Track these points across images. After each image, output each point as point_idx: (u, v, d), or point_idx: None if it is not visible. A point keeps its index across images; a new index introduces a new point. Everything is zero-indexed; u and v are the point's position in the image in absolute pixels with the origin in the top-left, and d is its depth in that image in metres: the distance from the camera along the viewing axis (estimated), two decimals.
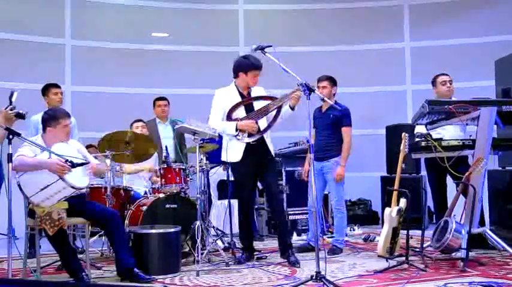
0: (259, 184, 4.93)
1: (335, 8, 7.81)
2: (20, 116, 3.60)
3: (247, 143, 4.36)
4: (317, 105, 4.97)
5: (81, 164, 3.49)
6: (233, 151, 4.43)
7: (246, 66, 4.42)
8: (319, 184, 4.74)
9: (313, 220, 4.34)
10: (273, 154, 4.52)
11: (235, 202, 5.19)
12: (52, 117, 3.82)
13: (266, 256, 4.58)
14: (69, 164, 3.33)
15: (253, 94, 4.50)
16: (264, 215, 6.26)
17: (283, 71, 3.76)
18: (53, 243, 3.68)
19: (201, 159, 4.85)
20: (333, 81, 4.89)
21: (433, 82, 5.02)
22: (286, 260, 4.32)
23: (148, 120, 5.92)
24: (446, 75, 4.99)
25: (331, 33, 7.81)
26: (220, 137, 5.07)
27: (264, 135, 4.40)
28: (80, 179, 3.57)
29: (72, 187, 3.49)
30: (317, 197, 3.63)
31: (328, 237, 5.44)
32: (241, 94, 4.48)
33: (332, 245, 4.77)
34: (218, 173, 5.83)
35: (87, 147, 5.66)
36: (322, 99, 4.08)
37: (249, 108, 4.44)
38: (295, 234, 5.80)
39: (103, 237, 4.73)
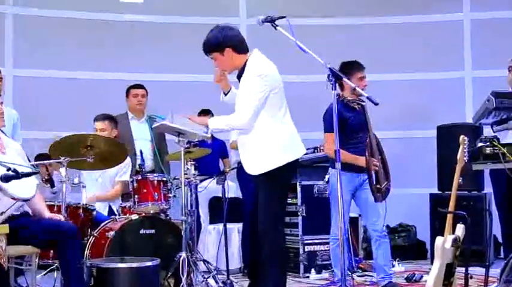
0: None
1: None
2: None
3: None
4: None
5: (28, 174, 3.49)
6: None
7: None
8: (346, 203, 4.72)
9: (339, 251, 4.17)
10: (255, 171, 4.01)
11: (233, 227, 5.21)
12: None
13: None
14: (12, 173, 3.33)
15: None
16: None
17: (300, 50, 3.76)
18: None
19: (188, 169, 4.86)
20: None
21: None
22: None
23: (118, 115, 5.89)
24: None
25: (361, 1, 7.83)
26: (214, 139, 5.10)
27: (239, 145, 4.14)
28: (23, 188, 3.55)
29: (13, 198, 3.49)
30: (344, 220, 3.63)
31: (358, 275, 5.44)
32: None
33: (387, 282, 4.80)
34: (210, 188, 5.83)
35: (39, 157, 5.67)
36: (354, 93, 4.07)
37: None
38: (313, 271, 5.81)
39: (55, 272, 4.74)
